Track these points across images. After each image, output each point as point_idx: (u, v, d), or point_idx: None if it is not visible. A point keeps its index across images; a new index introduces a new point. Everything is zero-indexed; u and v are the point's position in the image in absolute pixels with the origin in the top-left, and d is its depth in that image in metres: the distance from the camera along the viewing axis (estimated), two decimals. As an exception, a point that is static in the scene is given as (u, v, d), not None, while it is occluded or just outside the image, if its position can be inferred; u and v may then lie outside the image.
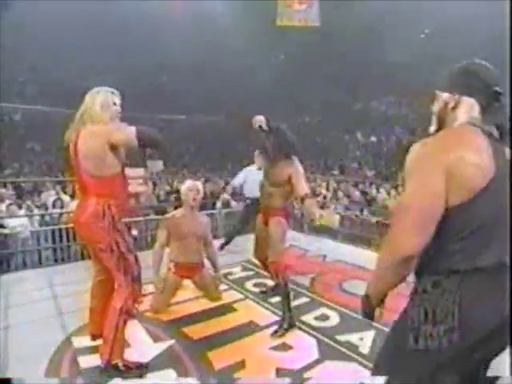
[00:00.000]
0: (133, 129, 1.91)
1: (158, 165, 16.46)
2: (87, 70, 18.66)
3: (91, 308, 2.36)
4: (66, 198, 6.89)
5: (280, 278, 2.72)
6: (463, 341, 1.02)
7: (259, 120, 2.75)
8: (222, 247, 4.58)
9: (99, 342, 2.19)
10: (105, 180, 1.97)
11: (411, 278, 1.19)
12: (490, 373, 1.25)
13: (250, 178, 4.58)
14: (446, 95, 1.15)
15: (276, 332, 2.62)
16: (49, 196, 7.05)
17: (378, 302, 1.23)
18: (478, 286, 1.03)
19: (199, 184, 3.18)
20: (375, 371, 1.27)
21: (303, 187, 2.69)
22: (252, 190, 4.36)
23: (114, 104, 2.06)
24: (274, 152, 2.78)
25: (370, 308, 1.24)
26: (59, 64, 18.89)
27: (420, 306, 1.11)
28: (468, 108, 1.11)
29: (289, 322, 2.67)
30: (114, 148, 1.94)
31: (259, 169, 4.30)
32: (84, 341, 2.44)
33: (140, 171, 8.96)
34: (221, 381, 2.12)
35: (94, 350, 2.35)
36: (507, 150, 1.09)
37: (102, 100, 2.01)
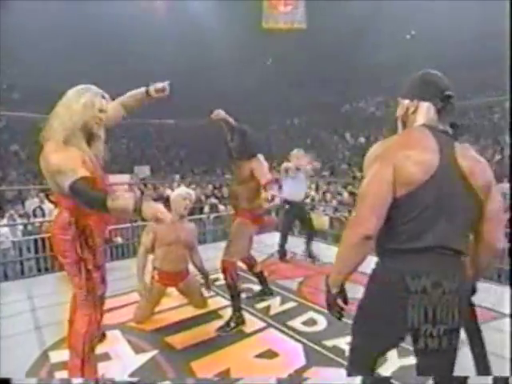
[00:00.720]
0: (68, 182, 1.56)
1: (145, 170, 16.38)
2: (72, 75, 18.44)
3: (70, 321, 2.21)
4: (49, 206, 6.75)
5: (228, 277, 2.75)
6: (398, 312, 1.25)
7: (217, 113, 2.78)
8: (281, 258, 4.47)
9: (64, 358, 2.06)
10: (71, 197, 1.65)
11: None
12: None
13: (286, 182, 4.42)
14: (406, 101, 1.34)
15: (221, 328, 2.68)
16: (32, 204, 6.90)
17: (338, 290, 1.36)
18: (418, 264, 1.22)
19: (192, 192, 3.08)
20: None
21: (265, 176, 2.71)
22: (292, 194, 4.37)
23: (100, 111, 1.75)
24: (238, 152, 2.80)
25: (332, 299, 1.37)
26: (43, 69, 18.63)
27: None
28: (425, 111, 1.29)
29: (235, 321, 2.73)
30: None
31: (297, 169, 4.34)
32: (62, 355, 2.34)
33: (125, 177, 8.88)
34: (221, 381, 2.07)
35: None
36: (456, 145, 1.26)
37: (84, 102, 1.70)
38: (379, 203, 1.20)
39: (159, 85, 2.16)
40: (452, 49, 18.37)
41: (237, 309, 2.79)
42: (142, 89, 2.17)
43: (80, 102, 1.69)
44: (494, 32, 16.77)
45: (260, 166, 2.76)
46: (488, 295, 3.12)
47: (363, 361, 1.46)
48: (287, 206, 4.42)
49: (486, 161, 1.29)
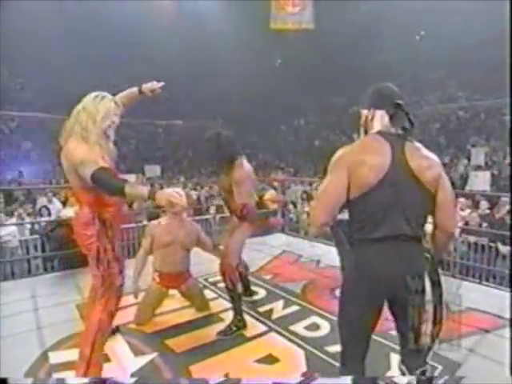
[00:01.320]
0: (91, 171, 1.71)
1: (155, 170, 16.43)
2: (79, 76, 18.61)
3: (87, 317, 2.24)
4: (58, 205, 6.79)
5: (228, 281, 2.69)
6: (371, 289, 1.45)
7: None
8: None
9: (73, 357, 2.08)
10: (91, 190, 1.84)
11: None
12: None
13: None
14: (365, 111, 1.53)
15: (222, 332, 2.64)
16: (41, 203, 6.95)
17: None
18: (379, 249, 1.42)
19: (180, 190, 3.00)
20: None
21: (241, 197, 2.52)
22: None
23: (114, 115, 1.92)
24: (217, 160, 2.70)
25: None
26: (51, 70, 18.82)
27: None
28: (380, 118, 1.48)
29: (236, 324, 2.68)
30: None
31: None
32: (62, 356, 2.34)
33: (132, 177, 8.90)
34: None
35: (71, 365, 2.25)
36: (408, 145, 1.43)
37: (104, 110, 1.87)
38: (332, 204, 1.41)
39: (155, 85, 2.31)
40: (463, 50, 18.12)
41: (238, 312, 2.74)
42: (134, 88, 2.31)
43: (100, 110, 1.87)
44: (504, 33, 16.53)
45: (238, 181, 2.54)
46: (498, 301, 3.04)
47: (355, 352, 1.59)
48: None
49: (435, 157, 1.46)
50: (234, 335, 2.63)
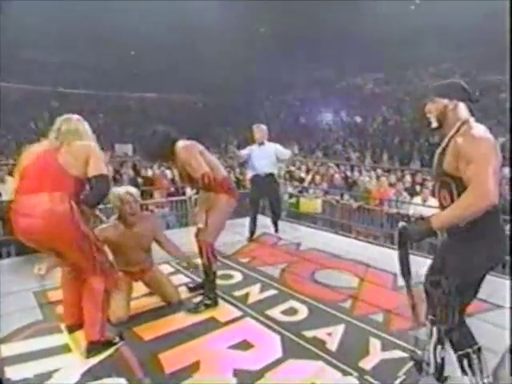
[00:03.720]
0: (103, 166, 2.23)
1: (127, 149, 16.09)
2: (55, 45, 17.90)
3: (66, 301, 2.46)
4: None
5: (205, 258, 2.83)
6: None
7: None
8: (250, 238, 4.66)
9: (26, 349, 2.24)
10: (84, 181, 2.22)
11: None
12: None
13: (253, 156, 4.61)
14: (446, 100, 1.75)
15: (193, 309, 2.78)
16: None
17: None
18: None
19: (134, 190, 2.77)
20: None
21: (195, 171, 2.69)
22: (257, 167, 4.60)
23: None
24: (159, 156, 2.92)
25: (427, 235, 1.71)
26: (26, 34, 17.94)
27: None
28: (464, 108, 1.75)
29: (206, 302, 2.82)
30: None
31: (260, 144, 4.60)
32: (14, 349, 2.29)
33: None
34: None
35: (26, 358, 2.21)
36: None
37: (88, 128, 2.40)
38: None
39: None
40: (458, 23, 18.15)
41: (211, 289, 2.85)
42: None
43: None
44: (500, 9, 16.62)
45: (186, 160, 2.73)
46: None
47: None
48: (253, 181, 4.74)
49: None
50: (203, 311, 2.75)
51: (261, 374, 2.08)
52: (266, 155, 4.56)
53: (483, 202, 1.51)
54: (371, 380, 2.02)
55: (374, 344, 2.35)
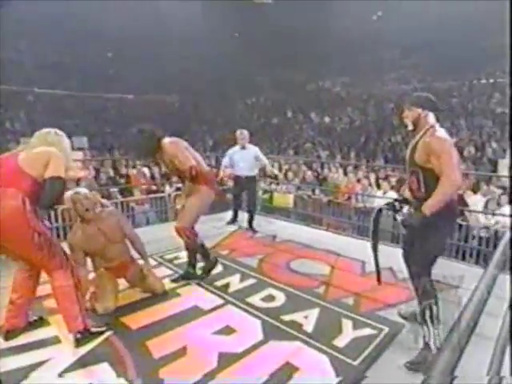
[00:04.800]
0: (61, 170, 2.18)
1: (82, 141, 15.74)
2: (31, 45, 17.12)
3: (13, 301, 2.29)
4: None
5: (185, 237, 3.04)
6: None
7: None
8: (231, 223, 4.99)
9: (18, 342, 2.23)
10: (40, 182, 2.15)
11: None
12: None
13: (234, 158, 4.81)
14: (419, 110, 2.15)
15: (174, 280, 3.11)
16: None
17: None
18: None
19: (83, 190, 2.72)
20: None
21: (183, 163, 2.86)
22: (238, 169, 4.79)
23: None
24: (147, 154, 3.05)
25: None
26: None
27: None
28: (432, 117, 2.16)
29: (209, 265, 3.16)
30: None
31: (242, 147, 4.79)
32: (4, 342, 2.25)
33: (79, 154, 8.44)
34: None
35: (13, 351, 2.18)
36: None
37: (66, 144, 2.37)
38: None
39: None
40: (416, 31, 18.78)
41: (206, 255, 3.16)
42: None
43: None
44: (456, 19, 17.35)
45: (173, 154, 2.88)
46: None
47: None
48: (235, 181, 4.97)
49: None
50: (183, 283, 3.06)
51: (244, 355, 2.14)
52: (247, 159, 4.77)
53: (455, 186, 2.00)
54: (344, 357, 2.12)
55: (346, 324, 2.45)
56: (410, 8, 18.85)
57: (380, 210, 2.31)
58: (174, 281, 3.12)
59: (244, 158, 4.76)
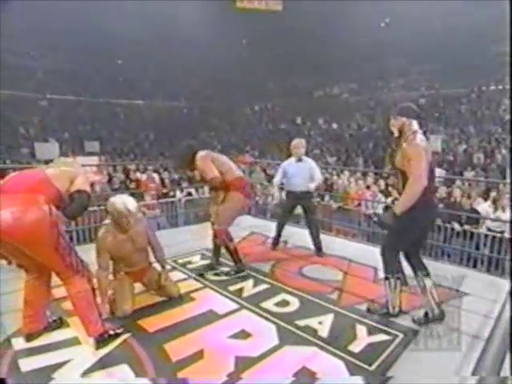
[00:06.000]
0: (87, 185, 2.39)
1: (94, 145, 16.04)
2: (43, 52, 17.43)
3: (29, 305, 2.34)
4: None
5: (220, 240, 3.43)
6: None
7: None
8: (274, 243, 4.33)
9: (39, 343, 2.25)
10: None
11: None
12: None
13: (290, 172, 4.16)
14: (404, 119, 2.46)
15: (226, 273, 3.40)
16: None
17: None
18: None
19: (132, 205, 2.65)
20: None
21: (206, 175, 3.33)
22: (291, 184, 4.16)
23: None
24: (187, 167, 3.48)
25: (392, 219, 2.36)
26: (3, 40, 17.41)
27: None
28: (415, 124, 2.46)
29: (236, 269, 3.44)
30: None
31: (298, 160, 4.16)
32: (26, 342, 2.30)
33: (94, 159, 8.59)
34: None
35: (35, 351, 2.22)
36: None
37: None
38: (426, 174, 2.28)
39: None
40: (423, 38, 18.78)
41: (235, 260, 3.46)
42: None
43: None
44: (465, 25, 17.31)
45: (201, 168, 3.33)
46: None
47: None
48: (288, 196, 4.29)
49: None
50: (234, 277, 3.36)
51: (260, 359, 2.17)
52: (302, 173, 4.12)
53: (420, 186, 2.24)
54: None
55: (361, 330, 2.47)
56: (417, 14, 18.89)
57: (387, 207, 2.95)
58: (200, 275, 3.40)
59: (299, 172, 4.11)
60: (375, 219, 2.45)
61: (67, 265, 2.21)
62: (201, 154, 3.34)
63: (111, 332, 2.35)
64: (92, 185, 5.86)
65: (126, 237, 2.69)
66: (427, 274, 2.53)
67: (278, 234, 4.33)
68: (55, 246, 2.11)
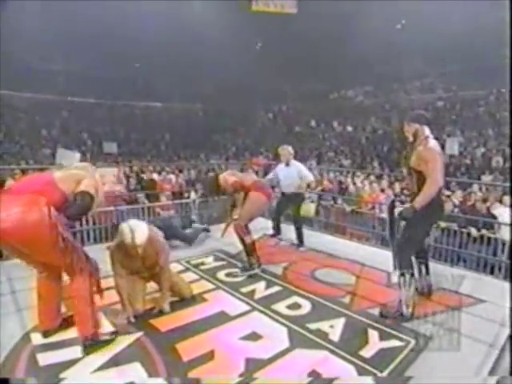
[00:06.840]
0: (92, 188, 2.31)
1: (112, 147, 16.30)
2: (59, 55, 17.87)
3: (43, 302, 2.39)
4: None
5: (237, 234, 3.62)
6: None
7: None
8: (274, 235, 4.83)
9: (55, 339, 2.27)
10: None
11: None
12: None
13: (280, 175, 4.59)
14: (417, 125, 2.73)
15: (241, 269, 3.56)
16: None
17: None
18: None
19: (140, 232, 2.56)
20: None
21: (227, 183, 3.75)
22: (282, 186, 4.65)
23: None
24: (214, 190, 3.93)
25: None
26: (28, 45, 17.92)
27: None
28: (426, 130, 2.72)
29: (249, 264, 3.56)
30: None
31: (286, 164, 4.55)
32: (42, 338, 2.35)
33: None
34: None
35: (53, 346, 2.27)
36: None
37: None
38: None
39: None
40: (440, 40, 18.41)
41: (249, 254, 3.59)
42: None
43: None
44: (483, 26, 16.92)
45: (223, 185, 3.76)
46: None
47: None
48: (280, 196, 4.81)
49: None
50: (247, 273, 3.48)
51: (271, 361, 2.15)
52: (290, 176, 4.48)
53: (437, 186, 2.55)
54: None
55: (373, 335, 2.43)
56: (434, 15, 18.55)
57: (393, 201, 3.07)
58: (234, 276, 3.49)
59: (288, 176, 4.49)
60: (397, 213, 2.64)
61: (66, 265, 2.22)
62: (222, 176, 3.82)
63: (102, 338, 2.31)
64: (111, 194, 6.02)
65: (136, 254, 2.64)
66: (413, 275, 2.72)
67: (275, 227, 4.83)
68: (53, 247, 2.10)
